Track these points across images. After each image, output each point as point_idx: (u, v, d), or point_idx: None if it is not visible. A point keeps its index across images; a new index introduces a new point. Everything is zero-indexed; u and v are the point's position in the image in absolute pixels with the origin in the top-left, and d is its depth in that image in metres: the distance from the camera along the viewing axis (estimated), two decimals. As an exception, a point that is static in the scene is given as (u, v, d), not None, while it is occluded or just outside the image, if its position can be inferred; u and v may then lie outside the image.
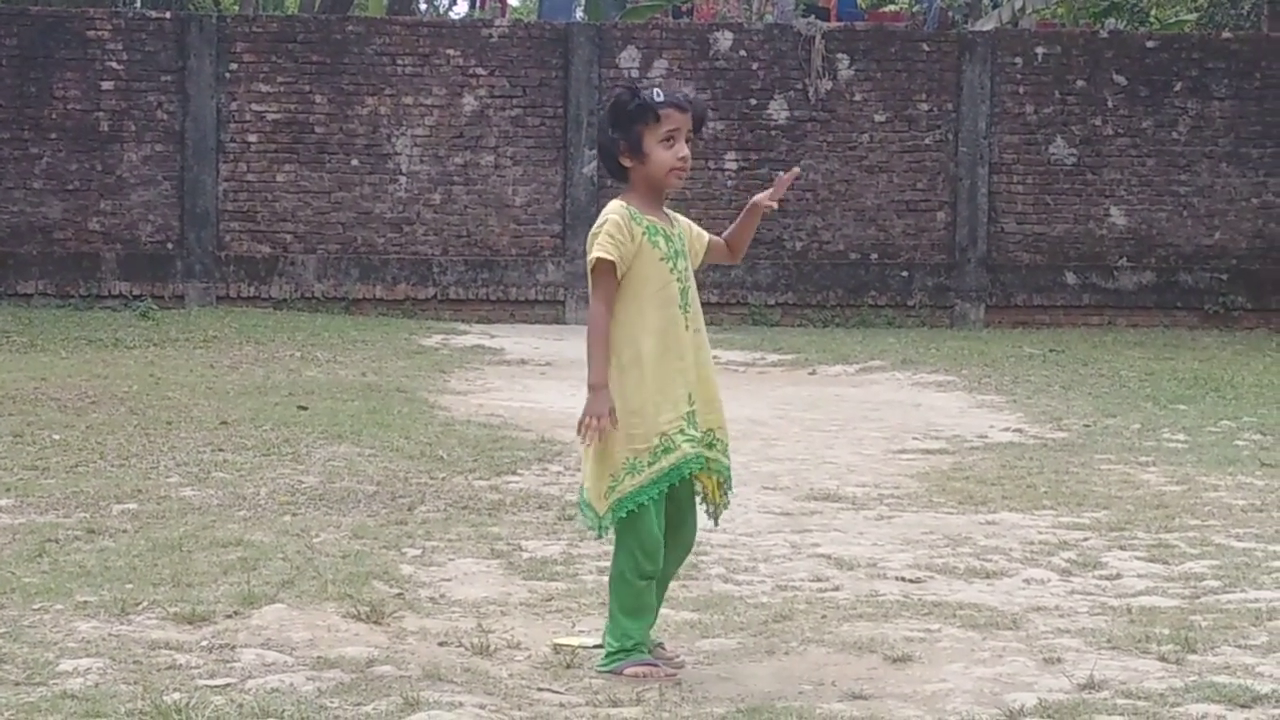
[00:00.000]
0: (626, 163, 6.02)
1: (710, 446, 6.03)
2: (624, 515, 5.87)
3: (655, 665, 5.89)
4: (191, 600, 6.46)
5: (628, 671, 5.84)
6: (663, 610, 6.63)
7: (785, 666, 5.95)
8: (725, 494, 6.17)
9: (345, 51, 24.07)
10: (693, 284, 6.10)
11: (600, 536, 6.09)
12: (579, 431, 5.91)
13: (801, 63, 24.58)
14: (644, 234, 5.95)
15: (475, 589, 7.04)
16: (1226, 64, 24.98)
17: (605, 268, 5.90)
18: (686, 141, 6.03)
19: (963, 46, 24.84)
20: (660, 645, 6.12)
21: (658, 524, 5.93)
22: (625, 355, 5.93)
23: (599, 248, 5.89)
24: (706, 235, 6.34)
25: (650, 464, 5.87)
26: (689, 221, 6.30)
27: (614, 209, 5.99)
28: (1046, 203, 24.77)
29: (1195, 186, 24.93)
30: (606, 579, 6.39)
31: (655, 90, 6.03)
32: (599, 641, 6.09)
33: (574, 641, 6.20)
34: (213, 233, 23.77)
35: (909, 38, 25.31)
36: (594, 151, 23.66)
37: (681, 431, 5.89)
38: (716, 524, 6.35)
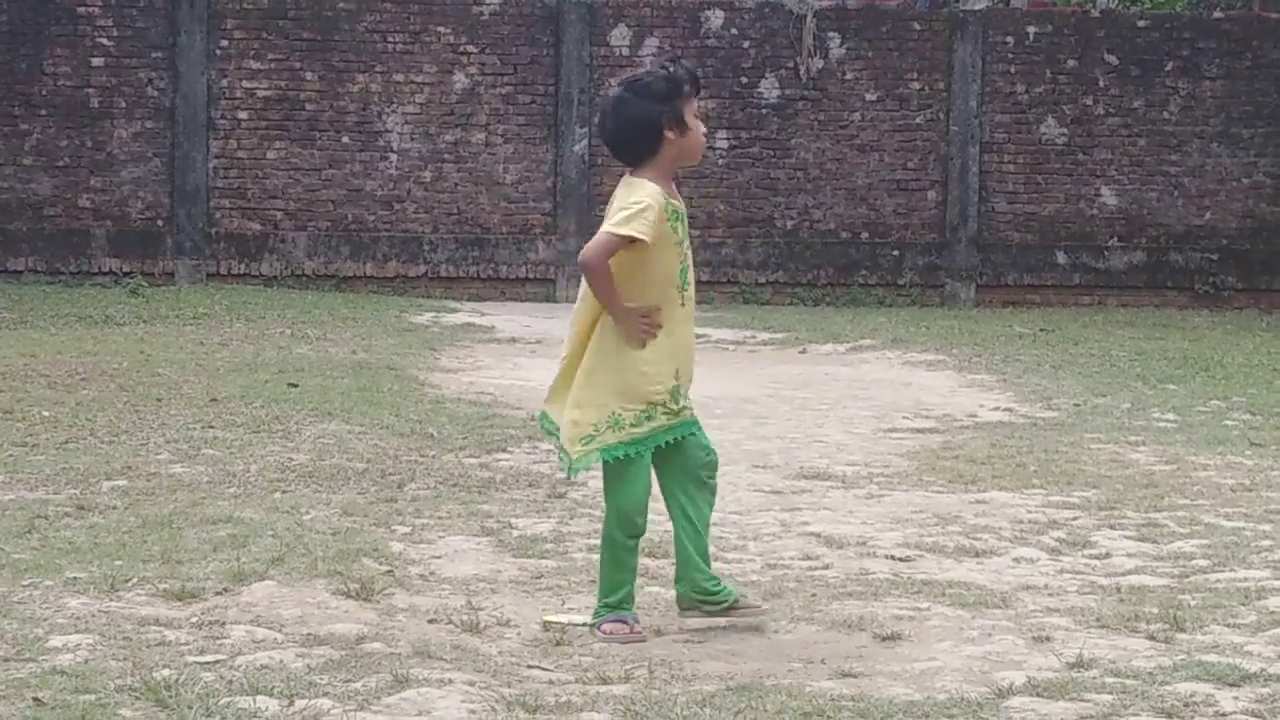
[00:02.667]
0: (671, 134, 6.12)
1: (686, 408, 6.22)
2: (608, 462, 6.13)
3: (625, 624, 6.05)
4: (181, 577, 6.47)
5: (602, 629, 6.02)
6: (654, 589, 6.66)
7: (775, 644, 5.96)
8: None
9: (336, 28, 24.02)
10: (690, 262, 6.24)
11: (570, 478, 6.41)
12: (638, 338, 6.08)
13: (793, 41, 24.55)
14: (668, 219, 6.11)
15: (465, 566, 7.05)
16: (1218, 44, 24.97)
17: (626, 243, 6.01)
18: None
19: (954, 25, 24.82)
20: (743, 596, 6.33)
21: (643, 486, 6.14)
22: None
23: (635, 225, 6.00)
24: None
25: (632, 425, 6.08)
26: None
27: (654, 193, 6.08)
28: (1037, 182, 24.76)
29: (1186, 166, 24.93)
30: (595, 557, 6.55)
31: (679, 67, 6.24)
32: (588, 620, 6.13)
33: (563, 619, 6.22)
34: (203, 210, 23.73)
35: (900, 16, 25.27)
36: (584, 129, 23.67)
37: (664, 405, 6.09)
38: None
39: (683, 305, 6.18)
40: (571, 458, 6.16)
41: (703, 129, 6.22)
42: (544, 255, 24.02)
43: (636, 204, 6.04)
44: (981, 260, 24.62)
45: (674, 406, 6.13)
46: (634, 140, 6.18)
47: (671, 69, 6.20)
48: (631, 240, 6.00)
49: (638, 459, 6.14)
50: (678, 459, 6.22)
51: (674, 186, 6.24)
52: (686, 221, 6.26)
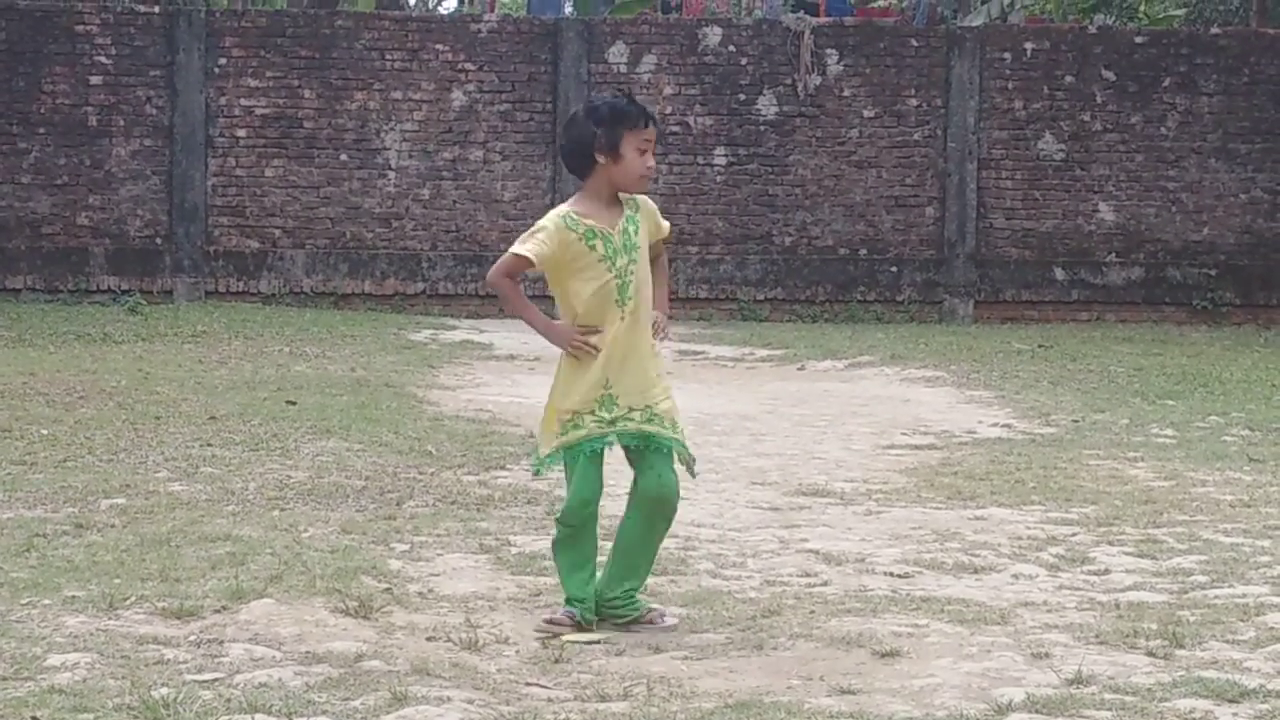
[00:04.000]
0: (601, 159, 6.47)
1: (650, 421, 6.45)
2: (537, 470, 6.66)
3: (563, 623, 6.37)
4: (179, 595, 6.46)
5: (543, 619, 6.43)
6: (655, 605, 6.65)
7: (773, 661, 5.96)
8: (685, 458, 6.63)
9: (334, 46, 24.06)
10: (639, 275, 6.51)
11: (536, 475, 6.89)
12: (577, 354, 6.48)
13: (790, 58, 24.58)
14: (580, 239, 6.45)
15: (464, 584, 7.05)
16: (1215, 60, 25.00)
17: (521, 261, 6.50)
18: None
19: (951, 42, 24.85)
20: (652, 609, 6.58)
21: (583, 487, 6.48)
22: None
23: (527, 245, 6.48)
24: (665, 227, 6.73)
25: (560, 433, 6.44)
26: (653, 209, 6.68)
27: (551, 217, 6.56)
28: (1035, 198, 24.78)
29: (1184, 182, 24.95)
30: (598, 575, 6.66)
31: (642, 106, 6.57)
32: (598, 638, 6.21)
33: (583, 638, 6.23)
34: (201, 228, 23.75)
35: (898, 33, 25.31)
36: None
37: (592, 413, 6.41)
38: (693, 475, 6.82)
39: (623, 319, 6.44)
40: (539, 459, 6.63)
41: (647, 164, 6.48)
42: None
43: (536, 226, 6.53)
44: (980, 276, 24.64)
45: (605, 415, 6.41)
46: (570, 157, 6.62)
47: (623, 101, 6.50)
48: (522, 259, 6.47)
49: (574, 464, 6.47)
50: (637, 479, 6.55)
51: (613, 204, 6.52)
52: (630, 236, 6.48)
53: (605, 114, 6.45)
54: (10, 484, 9.09)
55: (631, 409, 6.44)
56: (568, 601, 6.46)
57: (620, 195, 6.52)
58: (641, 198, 6.59)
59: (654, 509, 6.52)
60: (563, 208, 6.57)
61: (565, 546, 6.54)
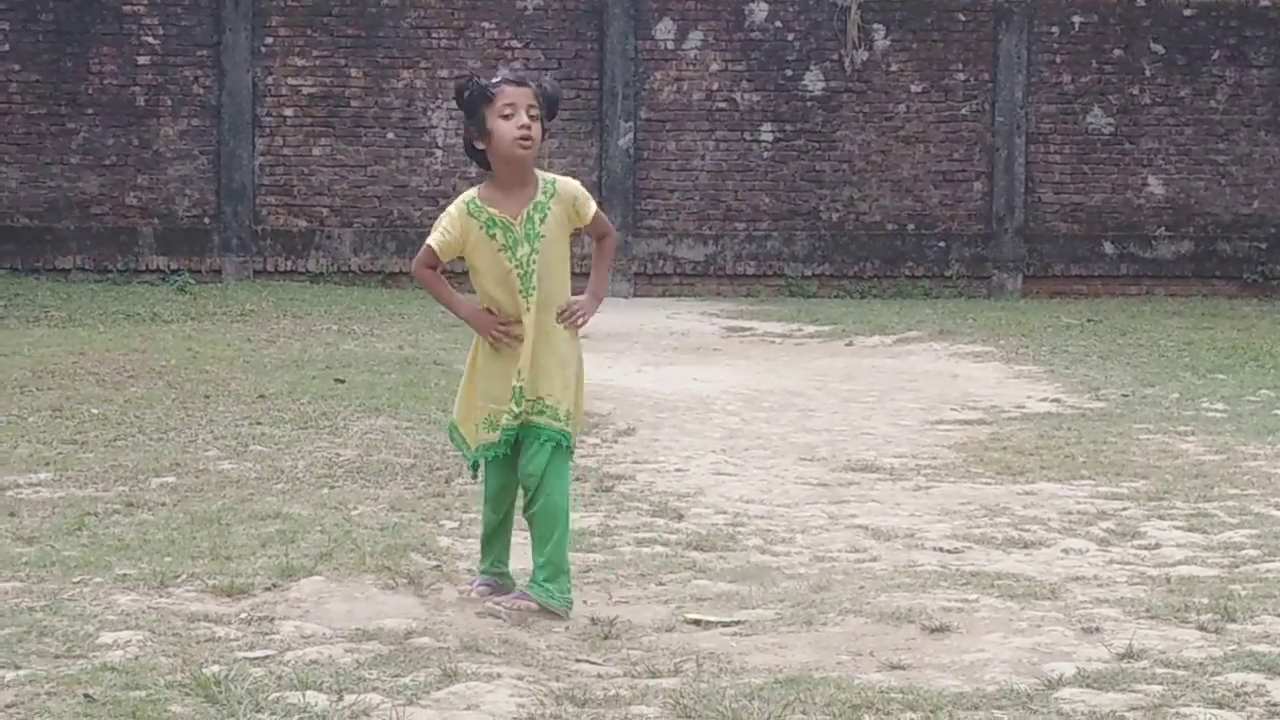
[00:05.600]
0: (480, 145, 6.40)
1: (540, 413, 6.40)
2: (476, 461, 6.58)
3: (477, 586, 6.53)
4: (230, 573, 6.48)
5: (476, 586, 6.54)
6: (701, 581, 6.66)
7: (823, 637, 5.95)
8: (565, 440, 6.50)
9: (380, 25, 24.08)
10: (544, 265, 6.44)
11: (474, 470, 6.71)
12: (500, 343, 6.44)
13: (837, 33, 24.51)
14: (481, 227, 6.36)
15: (513, 560, 7.04)
16: (1265, 32, 24.86)
17: (429, 252, 6.43)
18: (532, 118, 6.34)
19: (999, 16, 24.75)
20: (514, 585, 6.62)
21: (494, 478, 6.53)
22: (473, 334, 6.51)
23: (434, 236, 6.41)
24: (589, 214, 6.62)
25: (486, 430, 6.45)
26: (573, 194, 6.53)
27: (456, 203, 6.47)
28: (1084, 172, 24.68)
29: (1233, 155, 24.82)
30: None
31: (498, 75, 6.44)
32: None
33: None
34: (249, 207, 23.81)
35: (945, 7, 25.21)
36: (629, 124, 23.70)
37: (508, 410, 6.37)
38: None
39: (528, 310, 6.38)
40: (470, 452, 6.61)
41: (518, 124, 6.28)
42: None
43: (442, 214, 6.50)
44: (1028, 251, 24.55)
45: (515, 409, 6.37)
46: (470, 156, 6.56)
47: (467, 83, 6.41)
48: (430, 250, 6.40)
49: (491, 462, 6.50)
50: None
51: (526, 185, 6.41)
52: (537, 223, 6.38)
53: (464, 105, 6.38)
54: (61, 463, 9.13)
55: (538, 397, 6.40)
56: (483, 570, 6.63)
57: (539, 178, 6.42)
58: (564, 181, 6.50)
59: (528, 492, 6.47)
60: (470, 193, 6.50)
61: (491, 532, 6.63)
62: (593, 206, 6.60)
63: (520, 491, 6.50)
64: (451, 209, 6.44)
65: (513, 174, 6.38)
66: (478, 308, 6.44)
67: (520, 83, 6.35)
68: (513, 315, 6.37)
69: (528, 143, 6.31)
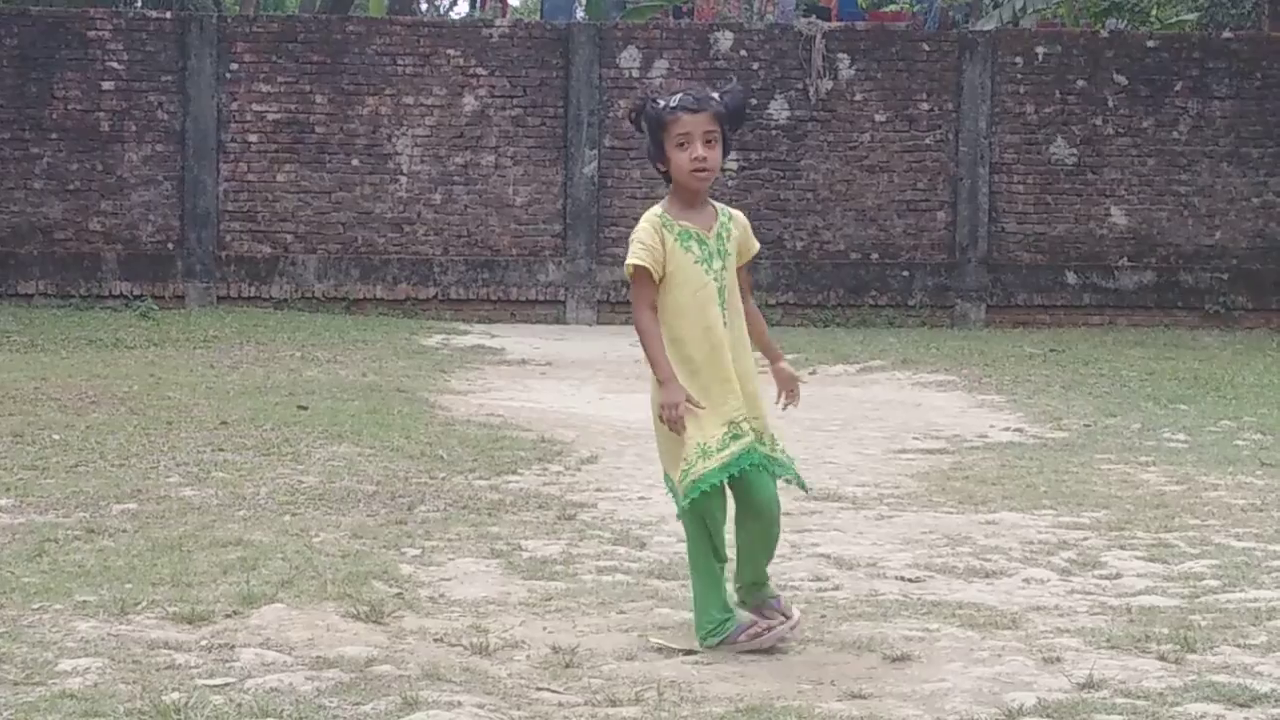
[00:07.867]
0: (662, 167, 6.23)
1: (763, 445, 6.22)
2: (696, 496, 6.06)
3: (756, 622, 6.16)
4: (191, 600, 6.46)
5: (740, 640, 6.10)
6: (665, 610, 6.66)
7: (784, 666, 5.95)
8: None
9: (346, 51, 24.09)
10: (731, 283, 6.27)
11: (680, 517, 6.29)
12: (663, 421, 6.06)
13: (802, 62, 24.58)
14: (676, 240, 6.16)
15: (475, 588, 7.04)
16: (1227, 64, 24.99)
17: (641, 274, 6.11)
18: (708, 142, 6.17)
19: (963, 46, 24.85)
20: (776, 598, 6.39)
21: (721, 508, 6.16)
22: (672, 355, 6.12)
23: (632, 255, 6.13)
24: (755, 248, 6.49)
25: (719, 450, 6.08)
26: (745, 223, 6.46)
27: (647, 216, 6.22)
28: (1047, 202, 24.78)
29: (1196, 186, 24.94)
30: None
31: (675, 96, 6.19)
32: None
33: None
34: (213, 232, 23.78)
35: (909, 37, 25.32)
36: (594, 151, 23.73)
37: (746, 420, 6.13)
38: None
39: (725, 325, 6.19)
40: (680, 496, 6.20)
41: (694, 154, 6.12)
42: (554, 277, 24.04)
43: (631, 238, 6.21)
44: (991, 280, 24.63)
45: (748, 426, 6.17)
46: (655, 168, 6.34)
47: (648, 104, 6.22)
48: (636, 269, 6.11)
49: (731, 478, 6.19)
50: (749, 493, 6.29)
51: (705, 206, 6.30)
52: (724, 240, 6.26)
53: (644, 125, 6.22)
54: (22, 489, 9.10)
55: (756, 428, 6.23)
56: (725, 623, 6.18)
57: (714, 203, 6.33)
58: (735, 211, 6.40)
59: (768, 527, 6.34)
60: (655, 209, 6.25)
61: (718, 575, 6.26)
62: (758, 243, 6.53)
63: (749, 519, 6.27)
64: (643, 225, 6.18)
65: (691, 196, 6.25)
66: (679, 383, 6.06)
67: (697, 108, 6.15)
68: (716, 335, 6.14)
69: (703, 174, 6.18)
